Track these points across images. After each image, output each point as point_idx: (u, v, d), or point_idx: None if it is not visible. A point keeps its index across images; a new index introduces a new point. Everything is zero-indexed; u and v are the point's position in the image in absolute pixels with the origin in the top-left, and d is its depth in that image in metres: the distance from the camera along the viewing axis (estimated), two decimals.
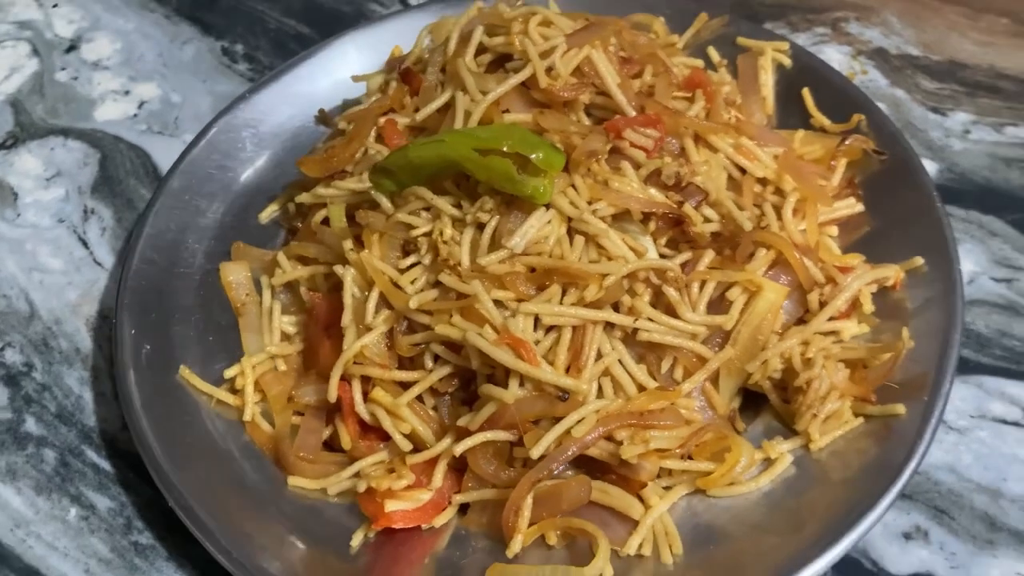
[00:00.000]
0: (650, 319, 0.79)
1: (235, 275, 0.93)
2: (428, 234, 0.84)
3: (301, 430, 0.82)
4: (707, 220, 0.85)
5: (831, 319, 0.83)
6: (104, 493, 0.84)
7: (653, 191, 0.83)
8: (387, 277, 0.83)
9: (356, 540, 0.77)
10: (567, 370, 0.77)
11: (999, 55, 1.11)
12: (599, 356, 0.78)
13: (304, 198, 0.94)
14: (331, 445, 0.83)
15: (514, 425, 0.76)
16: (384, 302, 0.83)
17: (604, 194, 0.82)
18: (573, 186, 0.83)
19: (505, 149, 0.80)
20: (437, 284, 0.81)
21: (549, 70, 0.89)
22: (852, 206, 0.92)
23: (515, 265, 0.79)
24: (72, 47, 1.25)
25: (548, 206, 0.81)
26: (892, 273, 0.85)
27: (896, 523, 0.78)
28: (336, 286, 0.90)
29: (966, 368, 0.86)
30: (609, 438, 0.75)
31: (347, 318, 0.83)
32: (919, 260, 0.86)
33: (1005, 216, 0.97)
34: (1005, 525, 0.77)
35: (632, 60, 0.95)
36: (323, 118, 1.06)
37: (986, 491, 0.79)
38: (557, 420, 0.75)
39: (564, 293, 0.79)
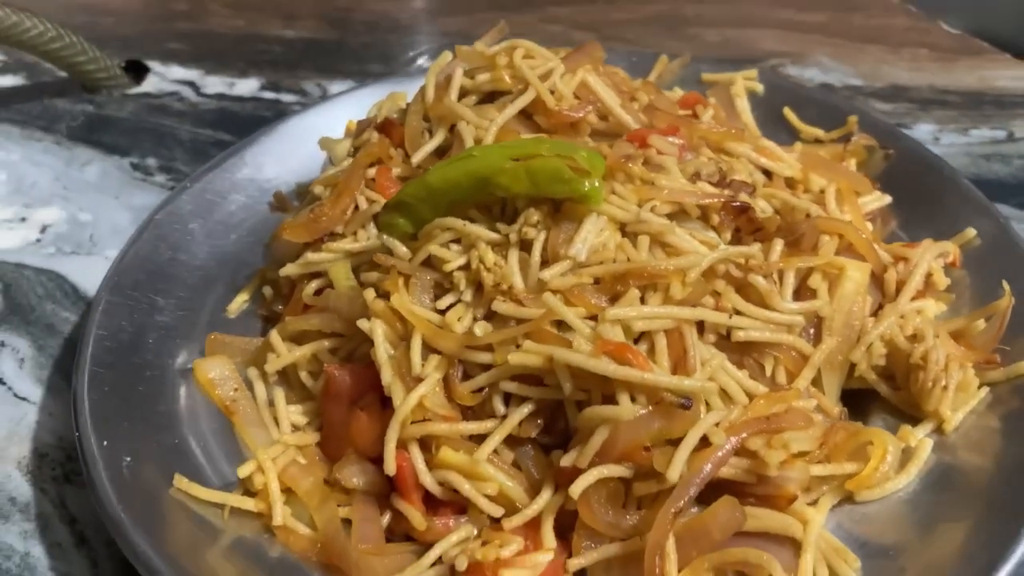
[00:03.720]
0: (744, 314, 0.69)
1: (216, 371, 0.76)
2: (464, 267, 0.71)
3: (356, 521, 0.65)
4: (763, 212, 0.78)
5: (912, 299, 0.76)
6: None
7: (703, 184, 0.76)
8: (427, 320, 0.69)
9: None
10: None
11: (934, 76, 1.15)
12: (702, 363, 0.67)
13: (290, 269, 0.80)
14: (390, 539, 0.66)
15: (629, 456, 0.62)
16: (428, 350, 0.69)
17: (654, 193, 0.74)
18: (615, 194, 0.74)
19: (544, 153, 0.71)
20: (487, 320, 0.69)
21: (551, 92, 0.82)
22: (880, 199, 0.88)
23: (581, 276, 0.68)
24: None
25: (598, 215, 0.71)
26: (952, 248, 0.80)
27: None
28: (350, 358, 0.75)
29: None
30: (739, 453, 0.63)
31: (388, 375, 0.67)
32: (971, 232, 0.81)
33: (1010, 201, 0.96)
34: None
35: (622, 91, 0.89)
36: (280, 203, 0.93)
37: None
38: (675, 444, 0.62)
39: (643, 299, 0.68)
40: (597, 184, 0.70)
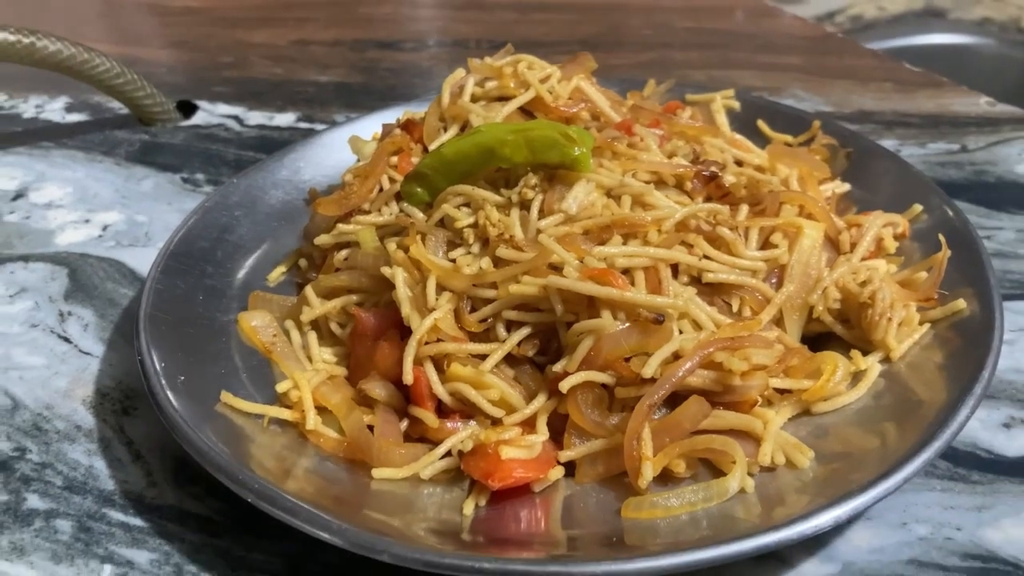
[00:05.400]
0: (712, 259, 0.81)
1: (257, 320, 0.87)
2: (472, 226, 0.83)
3: (378, 424, 0.75)
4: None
5: (863, 259, 0.87)
6: (141, 547, 0.72)
7: (679, 159, 0.88)
8: (440, 265, 0.81)
9: (468, 508, 0.68)
10: None
11: (899, 103, 1.28)
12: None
13: (324, 239, 0.92)
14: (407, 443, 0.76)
15: (611, 365, 0.73)
16: (441, 289, 0.80)
17: (635, 165, 0.86)
18: (602, 167, 0.87)
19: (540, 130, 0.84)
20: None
21: (549, 92, 0.96)
22: (840, 186, 1.00)
23: (572, 226, 0.80)
24: (19, 195, 1.21)
25: (587, 181, 0.84)
26: (901, 220, 0.91)
27: (991, 418, 0.79)
28: (375, 307, 0.86)
29: None
30: (706, 367, 0.73)
31: (407, 308, 0.79)
32: (918, 207, 0.93)
33: (963, 197, 1.07)
34: None
35: (612, 99, 1.03)
36: (315, 198, 1.06)
37: None
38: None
39: (625, 243, 0.80)
40: (586, 151, 0.83)
